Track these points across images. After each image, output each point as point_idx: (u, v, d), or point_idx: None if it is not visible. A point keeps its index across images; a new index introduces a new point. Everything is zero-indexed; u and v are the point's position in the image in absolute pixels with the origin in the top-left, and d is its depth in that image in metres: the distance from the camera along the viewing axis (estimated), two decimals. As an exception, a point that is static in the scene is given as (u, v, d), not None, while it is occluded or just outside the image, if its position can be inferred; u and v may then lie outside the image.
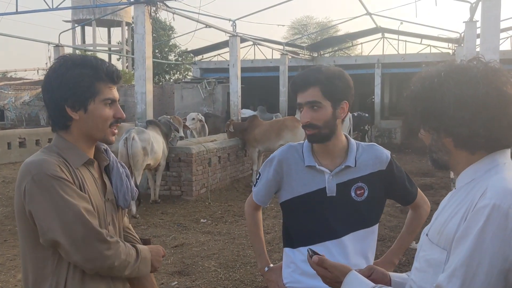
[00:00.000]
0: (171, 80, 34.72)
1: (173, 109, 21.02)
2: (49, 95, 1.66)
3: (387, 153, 2.07)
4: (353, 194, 2.00)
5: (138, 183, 7.90)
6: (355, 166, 2.00)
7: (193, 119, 12.76)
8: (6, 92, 22.35)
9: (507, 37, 20.87)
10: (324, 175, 2.00)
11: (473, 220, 1.15)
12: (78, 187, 1.61)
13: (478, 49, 16.12)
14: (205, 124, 13.32)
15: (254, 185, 2.22)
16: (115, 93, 1.73)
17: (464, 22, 12.44)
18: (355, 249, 2.00)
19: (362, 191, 2.00)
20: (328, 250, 1.95)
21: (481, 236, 1.12)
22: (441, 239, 1.26)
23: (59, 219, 1.51)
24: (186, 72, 37.18)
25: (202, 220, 7.62)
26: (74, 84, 1.62)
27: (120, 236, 1.81)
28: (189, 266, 5.51)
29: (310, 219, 2.03)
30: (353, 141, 2.08)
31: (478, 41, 14.54)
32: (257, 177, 2.22)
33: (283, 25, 27.85)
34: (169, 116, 9.83)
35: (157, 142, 8.29)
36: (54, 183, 1.54)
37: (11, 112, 21.54)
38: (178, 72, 38.74)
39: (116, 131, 1.75)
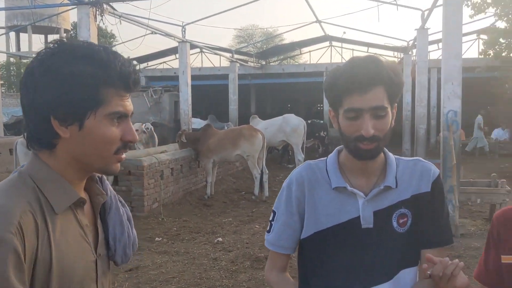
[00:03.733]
0: (114, 89, 33.44)
1: (117, 118, 20.05)
2: (29, 97, 1.12)
3: (435, 168, 1.60)
4: (395, 224, 1.53)
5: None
6: (396, 187, 1.53)
7: (137, 130, 11.76)
8: None
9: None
10: (357, 200, 1.53)
11: None
12: (33, 251, 1.04)
13: (430, 56, 16.52)
14: (154, 133, 12.59)
15: (268, 231, 1.66)
16: (128, 105, 1.19)
17: (415, 29, 12.56)
18: None
19: (405, 219, 1.53)
20: None
21: None
22: None
23: None
24: (130, 81, 35.98)
25: (157, 238, 7.00)
26: (70, 87, 1.09)
27: None
28: (146, 293, 4.92)
29: (340, 261, 1.54)
30: (391, 155, 1.60)
31: (429, 47, 14.84)
32: (270, 219, 1.66)
33: (234, 29, 27.42)
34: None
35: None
36: None
37: None
38: (121, 81, 37.44)
39: (124, 157, 1.21)
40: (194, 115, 19.23)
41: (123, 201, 1.37)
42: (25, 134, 1.16)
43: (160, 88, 19.31)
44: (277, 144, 13.32)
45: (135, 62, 25.17)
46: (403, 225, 1.53)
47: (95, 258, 1.21)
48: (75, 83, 1.09)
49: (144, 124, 12.02)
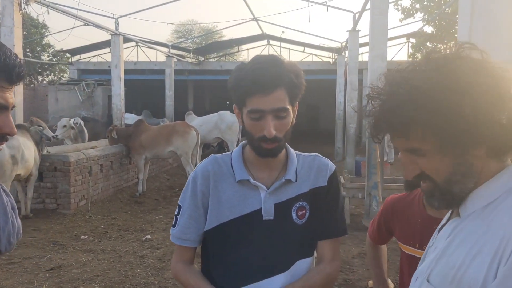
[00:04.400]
0: (45, 82, 32.03)
1: (47, 112, 19.24)
2: None
3: (331, 164, 1.68)
4: (294, 216, 1.59)
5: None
6: (296, 180, 1.60)
7: (64, 126, 11.08)
8: None
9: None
10: (259, 192, 1.57)
11: None
12: None
13: (360, 58, 17.05)
14: (84, 129, 12.16)
15: (174, 225, 1.66)
16: (9, 97, 1.15)
17: (347, 31, 12.93)
18: None
19: (304, 211, 1.59)
20: None
21: None
22: None
23: None
24: (62, 74, 34.57)
25: (82, 236, 6.79)
26: None
27: None
28: (68, 293, 4.76)
29: (241, 252, 1.57)
30: (292, 150, 1.67)
31: (360, 50, 15.33)
32: (176, 213, 1.66)
33: (172, 23, 26.94)
34: (42, 128, 8.73)
35: (28, 149, 7.27)
36: None
37: None
38: (53, 73, 35.88)
39: (1, 148, 1.18)
40: (129, 111, 18.82)
41: (6, 190, 1.34)
42: None
43: (93, 81, 18.66)
44: (212, 141, 13.31)
45: (68, 55, 24.26)
46: (302, 217, 1.59)
47: None
48: None
49: (72, 119, 11.55)
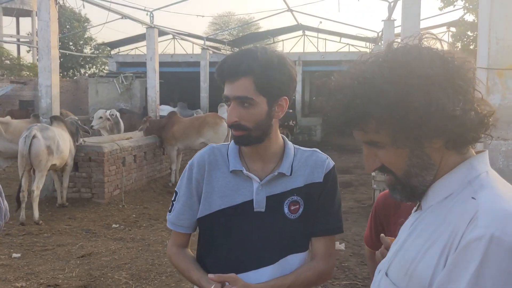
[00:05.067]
0: (86, 75, 32.96)
1: (87, 105, 19.80)
2: None
3: (329, 161, 1.66)
4: (286, 210, 1.58)
5: (41, 186, 7.12)
6: (290, 174, 1.59)
7: (100, 117, 11.39)
8: None
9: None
10: (252, 184, 1.58)
11: (463, 259, 0.80)
12: None
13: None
14: (120, 120, 12.45)
15: (170, 211, 1.70)
16: None
17: (382, 20, 12.68)
18: None
19: (297, 206, 1.59)
20: (250, 282, 1.54)
21: (478, 283, 0.77)
22: (411, 283, 0.90)
23: None
24: (103, 66, 35.46)
25: (114, 225, 6.99)
26: None
27: None
28: (96, 279, 4.91)
29: (231, 242, 1.59)
30: (290, 144, 1.66)
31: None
32: (172, 199, 1.70)
33: (203, 16, 27.15)
34: (77, 119, 9.02)
35: (63, 140, 7.52)
36: None
37: None
38: (94, 66, 36.86)
39: None
40: (166, 102, 19.11)
41: None
42: None
43: (131, 74, 19.06)
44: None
45: (108, 48, 24.84)
46: (295, 212, 1.59)
47: None
48: None
49: (108, 111, 11.85)
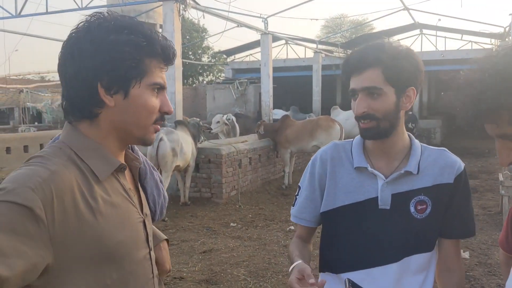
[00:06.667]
0: (204, 82, 34.71)
1: (205, 110, 20.87)
2: (74, 66, 1.12)
3: (460, 162, 1.61)
4: (412, 209, 1.56)
5: (166, 185, 7.66)
6: (417, 173, 1.56)
7: (218, 122, 11.93)
8: (42, 94, 22.61)
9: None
10: (376, 181, 1.57)
11: None
12: (68, 215, 1.06)
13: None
14: (236, 124, 12.94)
15: (293, 205, 1.73)
16: (164, 77, 1.22)
17: (510, 14, 11.73)
18: (408, 280, 1.57)
19: (424, 206, 1.55)
20: (373, 279, 1.55)
21: None
22: None
23: None
24: (219, 74, 37.09)
25: (232, 224, 7.30)
26: (117, 55, 1.11)
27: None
28: (217, 274, 5.18)
29: (354, 238, 1.60)
30: (417, 142, 1.64)
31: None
32: (296, 193, 1.73)
33: (316, 19, 27.11)
34: (198, 120, 9.56)
35: (186, 143, 8.03)
36: None
37: (48, 114, 21.77)
38: (212, 74, 38.71)
39: (159, 128, 1.26)
40: (279, 107, 19.49)
41: (153, 166, 1.49)
42: (64, 104, 1.18)
43: (245, 80, 19.73)
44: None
45: (224, 56, 25.93)
46: (421, 212, 1.56)
47: (142, 218, 1.25)
48: (122, 51, 1.12)
49: (225, 116, 12.40)
